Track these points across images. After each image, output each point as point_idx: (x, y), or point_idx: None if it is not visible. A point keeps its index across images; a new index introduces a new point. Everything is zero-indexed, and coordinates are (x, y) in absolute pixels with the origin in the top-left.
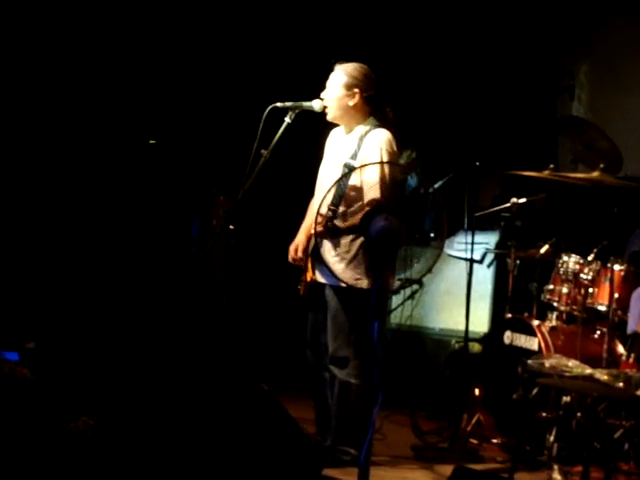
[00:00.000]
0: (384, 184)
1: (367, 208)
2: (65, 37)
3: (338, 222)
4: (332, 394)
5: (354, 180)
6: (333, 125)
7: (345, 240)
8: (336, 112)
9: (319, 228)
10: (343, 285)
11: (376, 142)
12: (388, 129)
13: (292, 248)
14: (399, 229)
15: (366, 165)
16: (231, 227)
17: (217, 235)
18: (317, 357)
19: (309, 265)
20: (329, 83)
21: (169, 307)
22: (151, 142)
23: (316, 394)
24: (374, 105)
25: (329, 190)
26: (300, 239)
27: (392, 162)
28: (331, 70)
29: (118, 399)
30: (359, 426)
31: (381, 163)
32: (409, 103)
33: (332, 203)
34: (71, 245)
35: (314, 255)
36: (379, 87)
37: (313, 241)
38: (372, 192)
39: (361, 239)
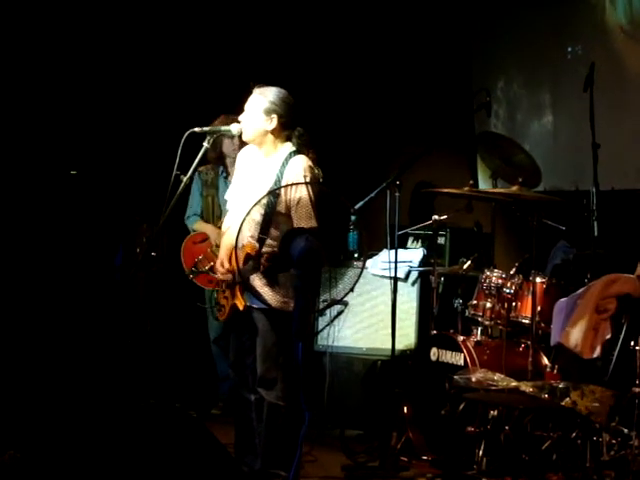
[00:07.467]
0: (315, 212)
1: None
2: None
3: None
4: (257, 416)
5: (280, 207)
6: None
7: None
8: (254, 135)
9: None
10: (271, 308)
11: (298, 171)
12: (306, 151)
13: (219, 265)
14: (320, 250)
15: (300, 202)
16: (153, 254)
17: (139, 262)
18: (241, 379)
19: (238, 293)
20: (248, 106)
21: (94, 336)
22: (72, 173)
23: (238, 416)
24: (291, 129)
25: (242, 222)
26: (222, 257)
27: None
28: (249, 92)
29: (45, 432)
30: (288, 448)
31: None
32: (326, 123)
33: (261, 232)
34: None
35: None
36: (297, 111)
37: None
38: (309, 222)
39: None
